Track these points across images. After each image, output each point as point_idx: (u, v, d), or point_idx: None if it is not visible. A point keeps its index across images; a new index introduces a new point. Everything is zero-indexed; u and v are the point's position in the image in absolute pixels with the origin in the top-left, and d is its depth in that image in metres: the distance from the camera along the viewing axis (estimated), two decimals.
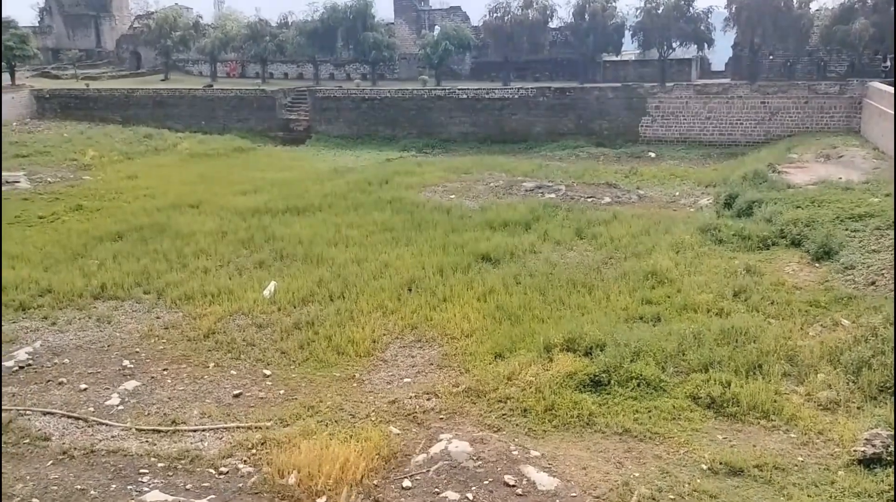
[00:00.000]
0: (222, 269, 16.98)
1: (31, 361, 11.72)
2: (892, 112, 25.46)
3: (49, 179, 29.26)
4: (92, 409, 9.99)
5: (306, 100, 41.88)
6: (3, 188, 27.31)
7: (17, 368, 11.44)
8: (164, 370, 11.48)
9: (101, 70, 57.43)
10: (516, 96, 38.27)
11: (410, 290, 15.17)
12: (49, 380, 11.05)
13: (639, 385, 10.20)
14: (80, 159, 33.18)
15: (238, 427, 9.32)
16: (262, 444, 8.83)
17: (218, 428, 9.28)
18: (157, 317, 13.95)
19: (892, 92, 26.60)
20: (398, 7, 50.91)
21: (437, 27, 48.61)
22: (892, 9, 34.62)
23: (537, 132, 37.96)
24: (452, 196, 25.21)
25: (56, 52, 61.85)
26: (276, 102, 42.20)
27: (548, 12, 43.20)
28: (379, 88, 42.23)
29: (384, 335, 12.92)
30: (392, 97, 40.03)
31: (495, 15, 43.29)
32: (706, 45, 42.33)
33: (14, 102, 45.68)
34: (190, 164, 33.50)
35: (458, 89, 39.60)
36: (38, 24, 63.77)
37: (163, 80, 51.82)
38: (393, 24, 50.08)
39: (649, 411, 9.66)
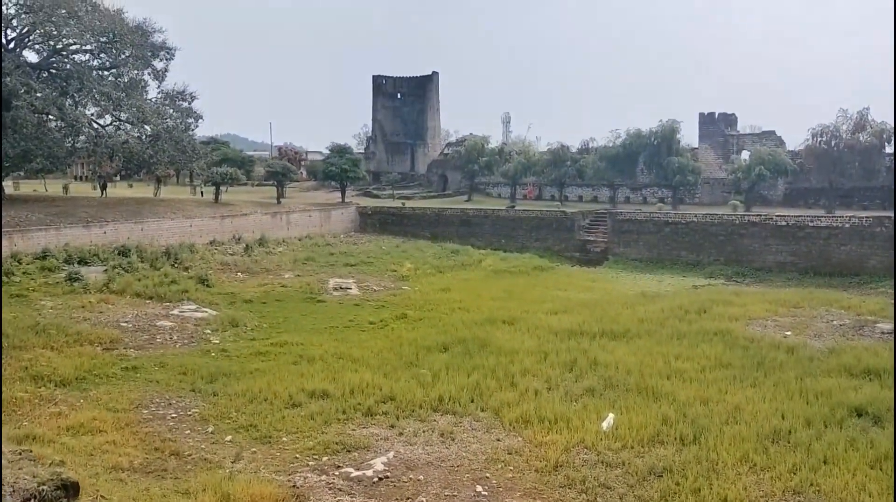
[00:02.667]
0: (552, 393, 16.22)
1: (388, 473, 11.67)
2: None
3: (374, 288, 31.81)
4: None
5: (605, 222, 41.66)
6: (338, 293, 30.24)
7: (376, 479, 11.43)
8: None
9: (413, 191, 63.62)
10: (846, 225, 34.20)
11: (776, 442, 13.01)
12: (408, 498, 10.81)
13: None
14: (399, 270, 35.88)
15: None
16: None
17: None
18: (498, 440, 13.41)
19: None
20: (703, 132, 49.81)
21: (744, 151, 46.33)
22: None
23: (872, 266, 33.35)
24: (788, 333, 22.35)
25: (377, 174, 70.08)
26: (574, 224, 42.56)
27: (885, 136, 38.84)
28: (682, 212, 40.69)
29: (761, 497, 10.93)
30: (699, 221, 38.16)
31: (820, 139, 39.94)
32: None
33: (343, 217, 51.84)
34: (494, 280, 34.52)
35: (776, 216, 36.56)
36: (364, 151, 73.38)
37: (466, 201, 55.61)
38: (696, 148, 48.84)
39: None
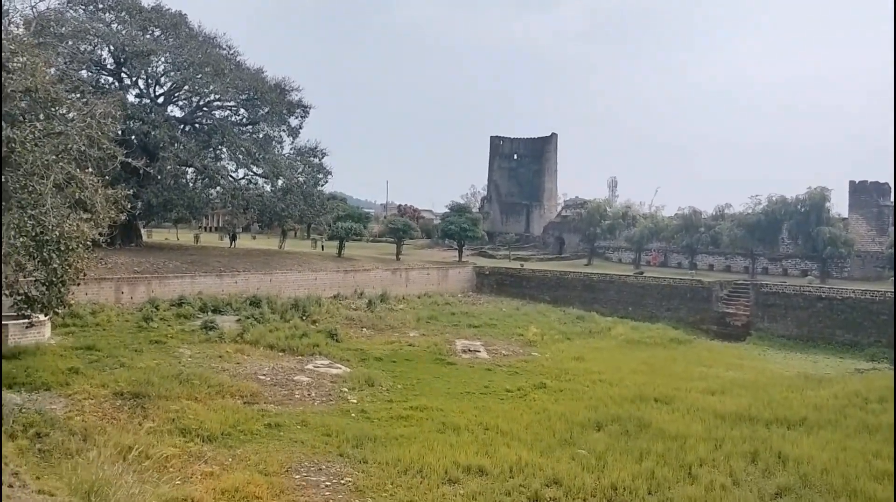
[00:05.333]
0: (740, 490, 14.18)
1: None
2: None
3: (503, 352, 30.39)
4: None
5: (747, 293, 38.76)
6: (467, 356, 29.01)
7: None
8: None
9: (528, 252, 62.32)
10: None
11: None
12: None
13: None
14: (525, 335, 34.32)
15: None
16: None
17: None
18: None
19: None
20: (854, 202, 46.19)
21: None
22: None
23: None
24: None
25: (490, 234, 69.29)
26: (711, 294, 39.84)
27: None
28: (837, 287, 37.26)
29: None
30: (857, 298, 34.74)
31: None
32: None
33: (460, 276, 50.95)
34: (628, 351, 32.37)
35: None
36: (478, 211, 73.07)
37: (586, 265, 53.69)
38: (846, 218, 45.31)
39: None
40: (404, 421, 18.49)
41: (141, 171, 31.67)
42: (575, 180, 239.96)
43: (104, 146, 17.91)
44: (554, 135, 74.57)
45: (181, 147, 38.85)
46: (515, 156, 74.94)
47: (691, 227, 47.12)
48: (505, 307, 43.36)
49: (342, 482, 13.53)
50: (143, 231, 49.69)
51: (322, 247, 57.35)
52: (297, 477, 13.63)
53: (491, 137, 76.05)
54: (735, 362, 30.68)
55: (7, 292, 16.51)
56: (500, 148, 75.27)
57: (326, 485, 13.26)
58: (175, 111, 43.69)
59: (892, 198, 44.54)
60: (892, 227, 38.05)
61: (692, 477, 14.73)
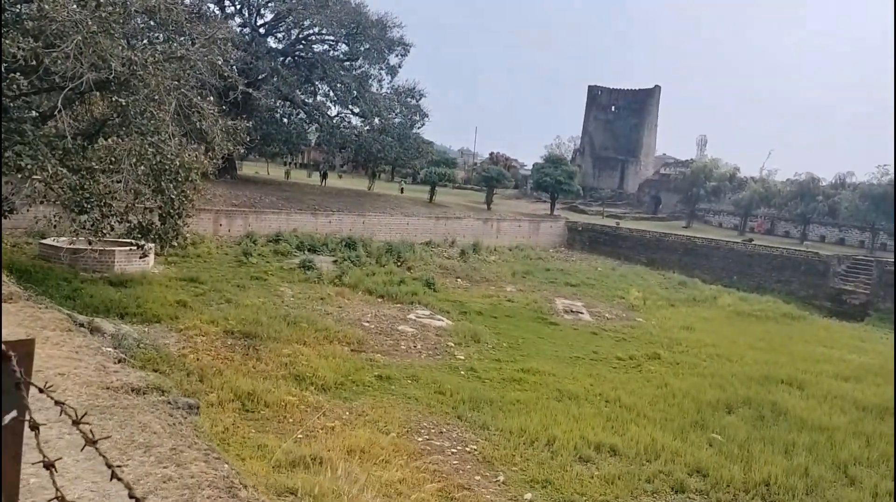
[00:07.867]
0: None
1: None
2: None
3: (606, 315, 28.94)
4: None
5: (869, 270, 35.88)
6: (569, 317, 27.72)
7: None
8: None
9: (621, 210, 59.96)
10: None
11: None
12: None
13: None
14: (626, 298, 32.72)
15: None
16: None
17: None
18: None
19: None
20: None
21: None
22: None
23: None
24: None
25: (582, 188, 67.01)
26: (828, 268, 37.09)
27: None
28: None
29: None
30: None
31: None
32: None
33: (551, 230, 49.46)
34: (739, 324, 30.39)
35: None
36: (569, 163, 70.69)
37: (684, 227, 51.15)
38: None
39: None
40: (517, 385, 17.44)
41: (242, 103, 31.21)
42: (662, 137, 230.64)
43: (225, 74, 17.08)
44: (657, 88, 70.67)
45: (281, 80, 38.18)
46: (613, 108, 71.65)
47: (807, 195, 43.89)
48: (600, 266, 41.75)
49: (467, 450, 12.59)
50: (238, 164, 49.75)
51: (402, 190, 56.20)
52: (420, 439, 12.77)
53: (589, 87, 72.77)
54: (857, 344, 28.41)
55: (119, 220, 16.08)
56: (598, 98, 72.03)
57: (452, 453, 12.34)
58: (273, 43, 42.93)
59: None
60: None
61: (850, 479, 13.20)
